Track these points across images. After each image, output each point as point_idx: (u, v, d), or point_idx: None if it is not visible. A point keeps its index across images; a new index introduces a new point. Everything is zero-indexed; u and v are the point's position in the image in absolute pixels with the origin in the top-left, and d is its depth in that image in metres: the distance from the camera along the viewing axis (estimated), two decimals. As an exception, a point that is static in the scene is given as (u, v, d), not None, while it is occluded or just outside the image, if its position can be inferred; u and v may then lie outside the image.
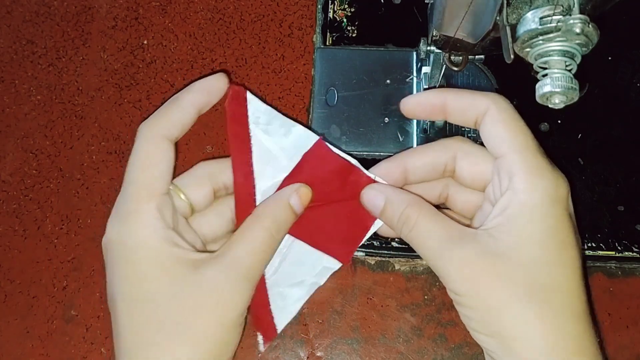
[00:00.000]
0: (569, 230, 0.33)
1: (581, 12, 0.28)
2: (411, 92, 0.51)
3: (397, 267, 0.47)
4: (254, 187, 0.41)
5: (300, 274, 0.42)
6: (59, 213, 0.50)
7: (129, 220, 0.35)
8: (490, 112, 0.36)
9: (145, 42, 0.55)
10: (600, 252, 0.46)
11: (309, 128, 0.45)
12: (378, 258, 0.48)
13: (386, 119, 0.51)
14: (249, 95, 0.41)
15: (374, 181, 0.40)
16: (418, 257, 0.47)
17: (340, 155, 0.41)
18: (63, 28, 0.56)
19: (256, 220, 0.37)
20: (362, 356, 0.45)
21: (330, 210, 0.42)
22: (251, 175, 0.41)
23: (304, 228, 0.42)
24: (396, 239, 0.47)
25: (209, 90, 0.40)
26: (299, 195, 0.39)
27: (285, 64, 0.54)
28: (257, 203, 0.40)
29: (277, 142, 0.42)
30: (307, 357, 0.45)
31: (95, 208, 0.50)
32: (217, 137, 0.52)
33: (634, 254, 0.46)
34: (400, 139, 0.50)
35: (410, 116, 0.41)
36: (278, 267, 0.42)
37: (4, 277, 0.49)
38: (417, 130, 0.50)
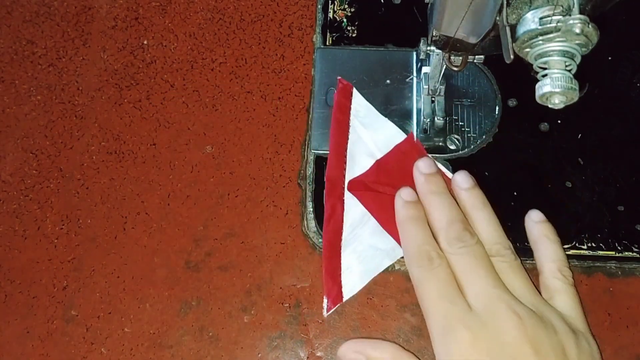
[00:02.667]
0: None
1: (581, 13, 0.28)
2: (411, 92, 0.51)
3: (397, 267, 0.47)
4: (344, 168, 0.48)
5: (371, 249, 0.46)
6: (59, 213, 0.50)
7: None
8: None
9: (145, 42, 0.55)
10: (600, 252, 0.46)
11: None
12: (378, 258, 0.48)
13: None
14: (354, 91, 0.50)
15: (449, 179, 0.46)
16: (418, 257, 0.47)
17: (426, 153, 0.48)
18: (63, 28, 0.56)
19: None
20: (362, 356, 0.45)
21: None
22: (344, 157, 0.48)
23: (381, 208, 0.46)
24: (396, 239, 0.47)
25: None
26: None
27: (285, 64, 0.54)
28: (345, 180, 0.48)
29: (371, 134, 0.49)
30: (307, 357, 0.45)
31: (96, 208, 0.50)
32: (217, 137, 0.52)
33: (634, 254, 0.46)
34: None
35: None
36: (351, 233, 0.47)
37: (4, 277, 0.49)
38: (417, 131, 0.50)
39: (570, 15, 0.28)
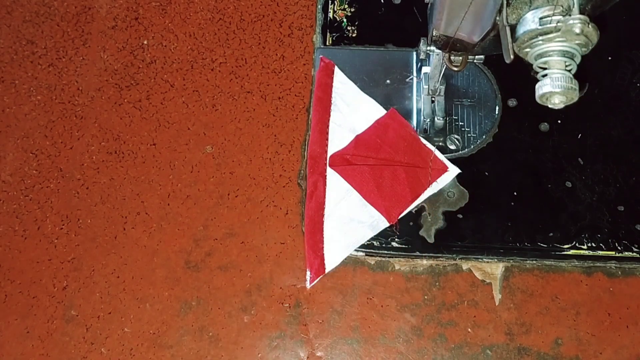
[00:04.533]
0: None
1: (581, 13, 0.28)
2: (411, 92, 0.51)
3: (397, 267, 0.47)
4: (326, 145, 0.49)
5: (353, 222, 0.47)
6: (59, 213, 0.50)
7: None
8: None
9: (145, 42, 0.55)
10: (601, 252, 0.46)
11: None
12: (378, 258, 0.48)
13: (386, 119, 0.51)
14: (336, 69, 0.52)
15: (435, 155, 0.48)
16: (418, 257, 0.47)
17: (410, 126, 0.49)
18: (63, 28, 0.56)
19: None
20: (362, 356, 0.45)
21: (389, 171, 0.48)
22: (326, 134, 0.50)
23: (362, 181, 0.48)
24: (396, 239, 0.47)
25: None
26: None
27: (285, 64, 0.54)
28: (327, 157, 0.49)
29: (353, 110, 0.50)
30: (307, 357, 0.45)
31: (95, 208, 0.50)
32: (217, 137, 0.52)
33: (634, 254, 0.46)
34: (400, 139, 0.50)
35: None
36: (334, 208, 0.47)
37: (4, 277, 0.49)
38: (417, 131, 0.50)
39: (570, 15, 0.28)
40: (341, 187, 0.48)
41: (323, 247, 0.47)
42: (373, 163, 0.47)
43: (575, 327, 0.45)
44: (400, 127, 0.49)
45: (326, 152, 0.49)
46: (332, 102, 0.50)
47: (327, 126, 0.50)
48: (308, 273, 0.47)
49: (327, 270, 0.46)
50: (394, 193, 0.47)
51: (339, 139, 0.49)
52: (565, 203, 0.48)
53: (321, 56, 0.52)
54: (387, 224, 0.47)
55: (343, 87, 0.51)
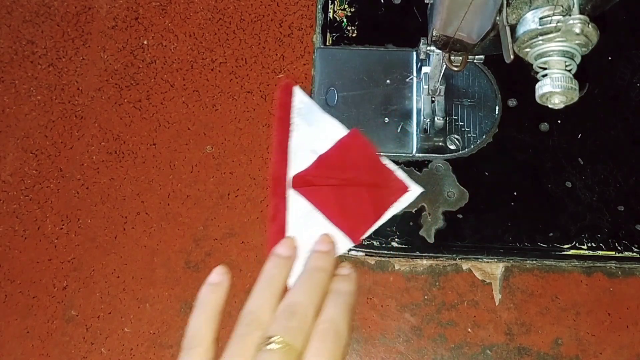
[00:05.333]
0: None
1: (581, 13, 0.28)
2: (411, 92, 0.51)
3: (397, 267, 0.47)
4: (288, 165, 0.48)
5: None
6: (59, 213, 0.50)
7: None
8: None
9: (145, 42, 0.55)
10: (600, 252, 0.46)
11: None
12: (378, 258, 0.48)
13: (386, 119, 0.51)
14: (296, 88, 0.50)
15: (396, 175, 0.47)
16: (418, 257, 0.47)
17: (372, 146, 0.49)
18: (63, 28, 0.56)
19: None
20: (362, 356, 0.45)
21: (352, 191, 0.47)
22: (287, 154, 0.48)
23: (326, 202, 0.47)
24: (396, 239, 0.47)
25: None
26: None
27: (285, 64, 0.54)
28: (289, 178, 0.48)
29: (314, 130, 0.49)
30: (307, 357, 0.45)
31: (96, 208, 0.50)
32: (217, 137, 0.52)
33: (634, 254, 0.46)
34: (400, 139, 0.50)
35: None
36: (296, 232, 0.46)
37: (4, 277, 0.49)
38: (417, 131, 0.50)
39: (570, 15, 0.28)
40: (304, 209, 0.47)
41: None
42: (336, 183, 0.46)
43: (575, 327, 0.45)
44: (363, 147, 0.48)
45: (288, 173, 0.48)
46: (292, 122, 0.49)
47: (288, 147, 0.49)
48: None
49: None
50: (357, 213, 0.46)
51: (300, 159, 0.48)
52: (565, 203, 0.48)
53: (279, 76, 0.51)
54: (352, 245, 0.45)
55: (304, 106, 0.50)
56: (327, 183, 0.47)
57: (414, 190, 0.47)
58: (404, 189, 0.47)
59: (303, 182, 0.48)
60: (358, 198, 0.47)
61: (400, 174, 0.47)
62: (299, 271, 0.44)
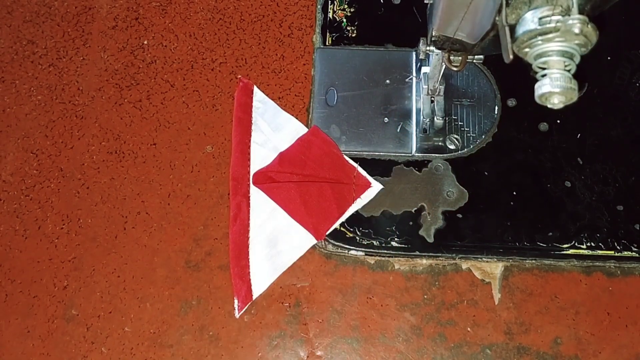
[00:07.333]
0: None
1: (580, 13, 0.28)
2: (411, 92, 0.52)
3: (396, 266, 0.47)
4: (249, 163, 0.49)
5: (279, 244, 0.47)
6: (59, 213, 0.50)
7: None
8: None
9: (145, 42, 0.55)
10: (600, 252, 0.46)
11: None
12: (378, 258, 0.48)
13: (386, 119, 0.51)
14: (255, 88, 0.51)
15: (358, 171, 0.48)
16: (417, 256, 0.47)
17: (333, 143, 0.49)
18: (63, 28, 0.56)
19: None
20: (362, 355, 0.45)
21: (315, 187, 0.47)
22: (248, 153, 0.49)
23: (288, 199, 0.47)
24: (396, 239, 0.47)
25: None
26: None
27: (285, 64, 0.54)
28: (250, 177, 0.48)
29: (274, 129, 0.50)
30: (307, 357, 0.45)
31: (96, 208, 0.50)
32: (217, 137, 0.52)
33: (633, 253, 0.46)
34: (400, 139, 0.50)
35: None
36: (258, 231, 0.47)
37: (4, 276, 0.49)
38: (416, 130, 0.50)
39: (569, 15, 0.28)
40: (266, 206, 0.47)
41: (249, 272, 0.46)
42: (298, 180, 0.47)
43: (574, 326, 0.45)
44: (324, 144, 0.49)
45: (249, 172, 0.49)
46: (252, 121, 0.50)
47: (249, 146, 0.49)
48: (236, 302, 0.46)
49: (254, 297, 0.46)
50: (320, 209, 0.47)
51: (261, 158, 0.49)
52: (565, 203, 0.48)
53: (239, 76, 0.52)
54: (315, 241, 0.46)
55: (263, 106, 0.51)
56: (289, 179, 0.47)
57: (375, 187, 0.48)
58: (367, 185, 0.48)
59: (264, 179, 0.48)
60: (321, 194, 0.47)
61: (360, 170, 0.48)
62: (264, 273, 0.45)
